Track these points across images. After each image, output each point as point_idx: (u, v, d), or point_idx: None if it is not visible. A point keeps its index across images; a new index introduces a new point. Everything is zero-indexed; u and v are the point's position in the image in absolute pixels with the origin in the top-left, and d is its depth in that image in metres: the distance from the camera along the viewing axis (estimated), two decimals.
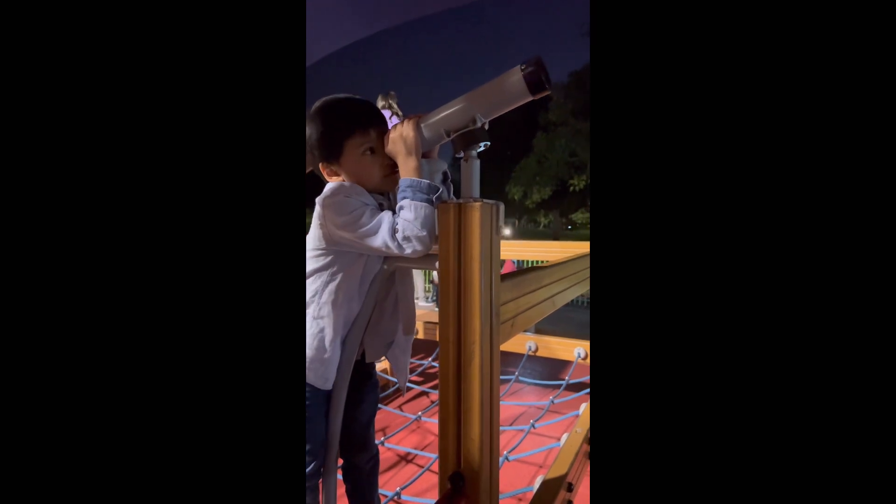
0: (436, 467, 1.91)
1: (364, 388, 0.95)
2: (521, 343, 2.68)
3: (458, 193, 0.78)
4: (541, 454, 2.03)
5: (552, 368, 2.82)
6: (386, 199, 0.88)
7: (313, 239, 0.82)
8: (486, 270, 0.68)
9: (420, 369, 3.07)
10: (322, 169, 0.86)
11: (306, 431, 0.83)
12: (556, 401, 2.25)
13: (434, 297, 4.44)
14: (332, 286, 0.82)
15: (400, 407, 2.57)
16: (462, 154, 0.74)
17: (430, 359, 2.87)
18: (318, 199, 0.80)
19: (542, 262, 2.04)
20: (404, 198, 0.76)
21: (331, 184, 0.83)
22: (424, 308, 3.97)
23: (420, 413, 2.27)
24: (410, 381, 2.71)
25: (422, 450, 2.06)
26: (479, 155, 0.76)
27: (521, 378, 2.64)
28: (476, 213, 0.66)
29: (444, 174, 0.86)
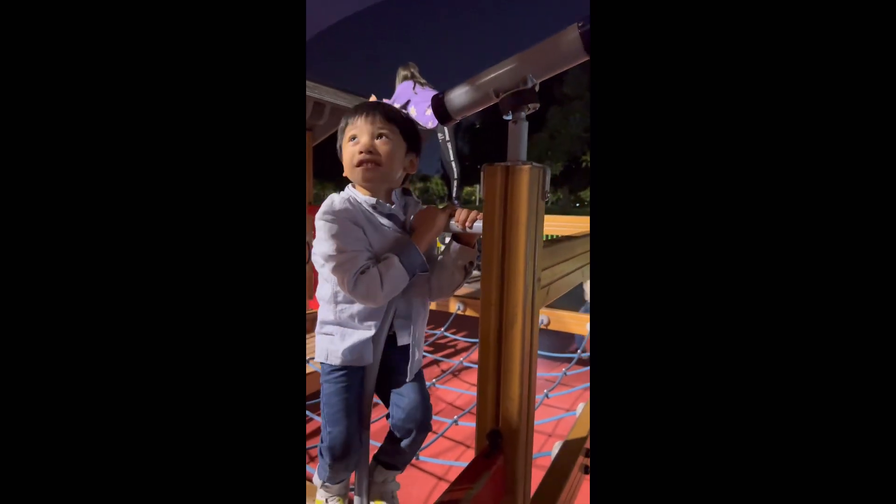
0: (451, 432, 1.97)
1: (405, 368, 0.97)
2: None
3: (496, 156, 0.77)
4: (552, 423, 2.08)
5: (563, 342, 2.85)
6: (401, 209, 0.89)
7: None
8: (531, 235, 0.67)
9: (431, 339, 3.12)
10: (341, 158, 0.91)
11: (344, 414, 0.87)
12: (568, 373, 2.28)
13: None
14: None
15: None
16: (510, 115, 0.73)
17: (441, 329, 2.91)
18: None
19: (554, 236, 2.04)
20: (399, 255, 0.81)
21: (327, 199, 0.87)
22: None
23: (434, 380, 2.32)
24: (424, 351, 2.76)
25: (435, 415, 2.12)
26: (519, 119, 0.75)
27: None
28: (524, 176, 0.66)
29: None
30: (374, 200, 0.85)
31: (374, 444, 1.00)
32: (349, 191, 0.88)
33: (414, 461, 1.73)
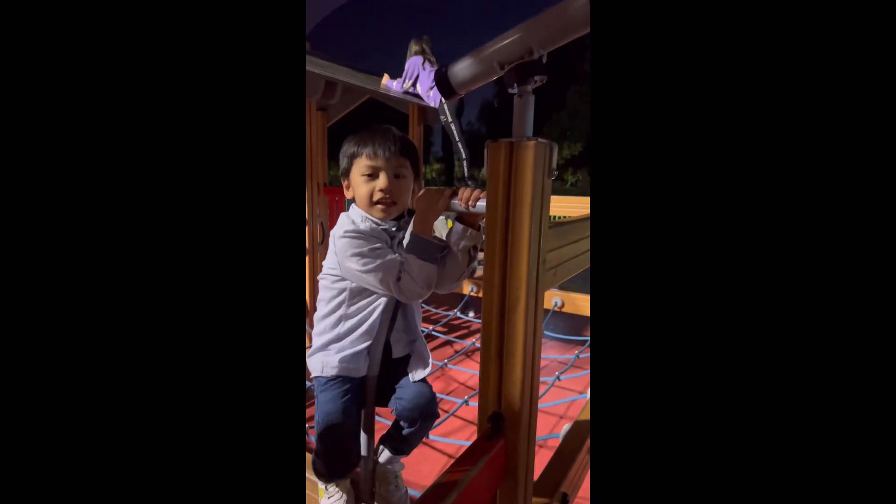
0: (461, 412, 1.99)
1: (404, 371, 0.98)
2: (548, 298, 2.69)
3: (504, 132, 0.74)
4: (563, 405, 2.07)
5: (578, 324, 2.82)
6: (396, 224, 0.92)
7: (330, 263, 0.90)
8: (536, 214, 0.65)
9: (445, 320, 3.13)
10: (342, 180, 0.95)
11: (340, 410, 0.89)
12: (581, 356, 2.26)
13: None
14: (351, 303, 0.90)
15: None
16: (515, 89, 0.69)
17: (455, 310, 2.91)
18: (332, 232, 0.89)
19: (565, 217, 1.99)
20: (412, 253, 0.83)
21: (343, 217, 0.92)
22: None
23: (446, 360, 2.33)
24: (436, 331, 2.77)
25: (447, 395, 2.13)
26: (525, 93, 0.72)
27: (546, 333, 2.66)
28: (530, 152, 0.63)
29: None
30: (387, 225, 0.91)
31: (384, 423, 1.02)
32: (364, 212, 0.91)
33: (424, 440, 1.75)
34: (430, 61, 3.00)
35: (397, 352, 0.95)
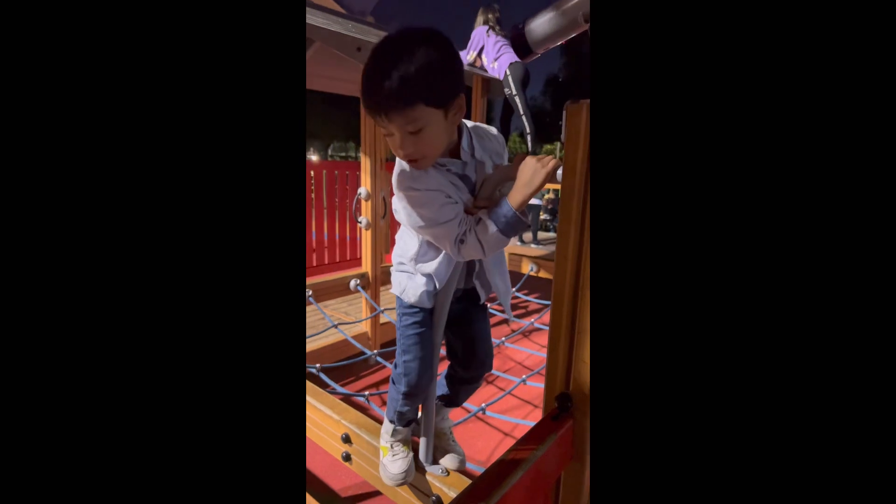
0: (518, 391, 1.97)
1: (473, 311, 0.96)
2: (525, 265, 2.57)
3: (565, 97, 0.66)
4: None
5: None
6: (472, 168, 0.78)
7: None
8: None
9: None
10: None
11: (418, 346, 0.88)
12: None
13: (533, 230, 4.36)
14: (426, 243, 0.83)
15: None
16: None
17: (514, 289, 2.87)
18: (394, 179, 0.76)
19: None
20: (497, 226, 0.73)
21: (398, 167, 0.76)
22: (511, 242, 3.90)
23: (503, 339, 2.31)
24: (493, 309, 2.75)
25: (504, 372, 2.12)
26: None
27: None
28: None
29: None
30: (443, 162, 0.75)
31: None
32: None
33: (480, 415, 1.76)
34: (494, 31, 2.88)
35: (482, 296, 0.92)
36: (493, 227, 0.73)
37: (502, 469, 0.54)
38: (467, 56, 2.87)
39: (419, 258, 0.84)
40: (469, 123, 0.81)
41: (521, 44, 0.65)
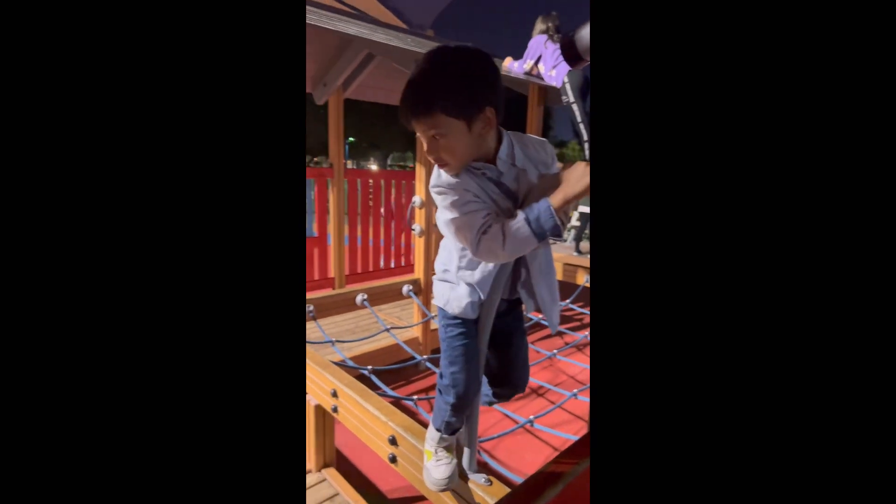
0: (569, 405, 1.91)
1: (514, 333, 0.96)
2: None
3: None
4: None
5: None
6: (494, 169, 0.78)
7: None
8: None
9: None
10: None
11: (464, 357, 0.88)
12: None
13: (574, 238, 4.24)
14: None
15: (534, 343, 2.60)
16: None
17: (567, 301, 2.80)
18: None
19: None
20: (530, 227, 0.71)
21: (435, 170, 0.80)
22: (562, 251, 3.83)
23: (555, 351, 2.25)
24: (545, 320, 2.69)
25: (555, 385, 2.07)
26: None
27: None
28: None
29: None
30: (478, 166, 0.77)
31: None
32: None
33: (529, 428, 1.72)
34: (553, 39, 2.85)
35: (529, 308, 0.90)
36: (521, 219, 0.71)
37: (540, 481, 0.53)
38: (524, 65, 2.86)
39: (462, 268, 0.84)
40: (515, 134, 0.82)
41: (570, 52, 0.64)
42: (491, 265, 0.82)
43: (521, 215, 0.72)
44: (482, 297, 0.84)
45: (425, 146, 0.75)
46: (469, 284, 0.84)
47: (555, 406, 1.83)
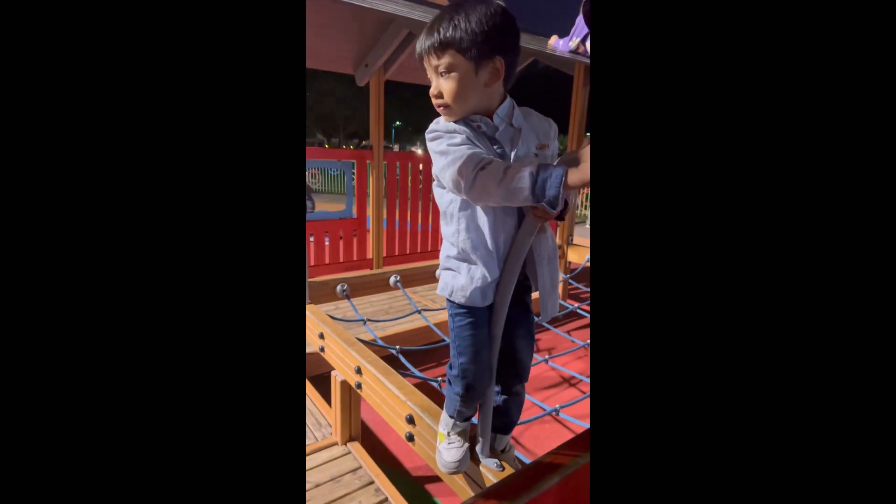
0: None
1: (519, 323, 0.91)
2: None
3: None
4: None
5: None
6: (489, 123, 0.78)
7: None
8: None
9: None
10: None
11: (473, 348, 0.85)
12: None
13: None
14: (465, 217, 0.80)
15: (570, 332, 2.53)
16: None
17: (568, 276, 2.69)
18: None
19: None
20: (533, 175, 0.68)
21: (433, 122, 0.81)
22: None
23: (587, 342, 2.19)
24: (581, 310, 2.61)
25: (588, 377, 2.01)
26: None
27: None
28: None
29: None
30: (475, 118, 0.77)
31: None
32: None
33: (555, 416, 1.69)
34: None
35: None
36: (527, 172, 0.68)
37: (538, 471, 0.51)
38: (569, 43, 2.74)
39: (466, 253, 0.81)
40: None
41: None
42: (492, 242, 0.78)
43: (528, 169, 0.68)
44: (488, 277, 0.80)
45: (432, 83, 0.77)
46: (473, 269, 0.81)
47: (584, 396, 1.78)
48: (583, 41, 2.73)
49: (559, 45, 2.78)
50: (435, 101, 0.78)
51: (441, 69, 0.74)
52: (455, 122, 0.77)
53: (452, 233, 0.82)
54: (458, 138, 0.75)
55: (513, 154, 0.78)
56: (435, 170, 0.79)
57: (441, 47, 0.73)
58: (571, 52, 2.76)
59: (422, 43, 0.76)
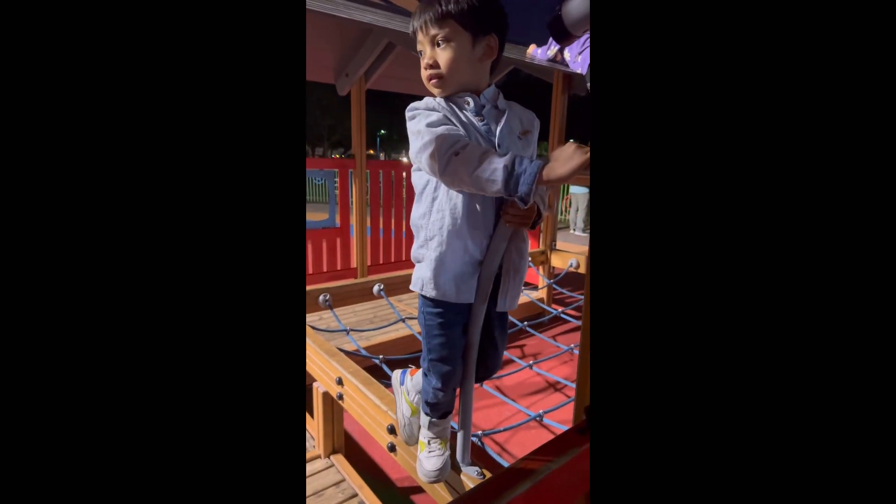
0: None
1: (493, 320, 0.91)
2: (564, 259, 2.32)
3: None
4: None
5: None
6: (492, 117, 0.80)
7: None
8: None
9: (578, 303, 2.95)
10: None
11: (443, 346, 0.86)
12: None
13: (584, 219, 4.12)
14: (439, 196, 0.80)
15: (554, 337, 2.55)
16: None
17: (552, 281, 2.72)
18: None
19: None
20: (508, 169, 0.68)
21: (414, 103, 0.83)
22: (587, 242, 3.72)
23: (574, 345, 2.20)
24: (566, 314, 2.63)
25: (574, 382, 2.02)
26: None
27: None
28: None
29: None
30: (460, 96, 0.79)
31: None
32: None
33: (540, 422, 1.69)
34: None
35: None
36: (501, 164, 0.67)
37: (509, 477, 0.51)
38: (547, 51, 2.78)
39: (434, 233, 0.80)
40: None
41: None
42: (464, 220, 0.78)
43: (503, 161, 0.68)
44: (458, 262, 0.79)
45: (426, 54, 0.78)
46: (441, 258, 0.79)
47: (569, 400, 1.79)
48: (561, 50, 2.78)
49: (538, 53, 2.82)
50: (428, 73, 0.79)
51: (439, 38, 0.76)
52: (443, 98, 0.79)
53: (423, 213, 0.81)
54: (436, 116, 0.76)
55: (498, 130, 0.79)
56: (412, 151, 0.79)
57: (442, 17, 0.75)
58: (550, 60, 2.80)
59: (419, 15, 0.78)
